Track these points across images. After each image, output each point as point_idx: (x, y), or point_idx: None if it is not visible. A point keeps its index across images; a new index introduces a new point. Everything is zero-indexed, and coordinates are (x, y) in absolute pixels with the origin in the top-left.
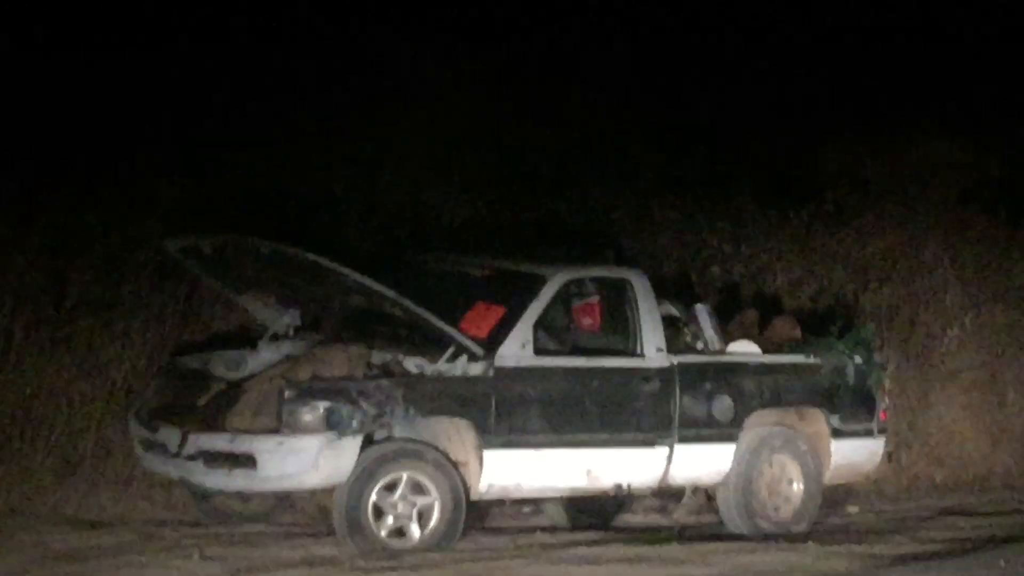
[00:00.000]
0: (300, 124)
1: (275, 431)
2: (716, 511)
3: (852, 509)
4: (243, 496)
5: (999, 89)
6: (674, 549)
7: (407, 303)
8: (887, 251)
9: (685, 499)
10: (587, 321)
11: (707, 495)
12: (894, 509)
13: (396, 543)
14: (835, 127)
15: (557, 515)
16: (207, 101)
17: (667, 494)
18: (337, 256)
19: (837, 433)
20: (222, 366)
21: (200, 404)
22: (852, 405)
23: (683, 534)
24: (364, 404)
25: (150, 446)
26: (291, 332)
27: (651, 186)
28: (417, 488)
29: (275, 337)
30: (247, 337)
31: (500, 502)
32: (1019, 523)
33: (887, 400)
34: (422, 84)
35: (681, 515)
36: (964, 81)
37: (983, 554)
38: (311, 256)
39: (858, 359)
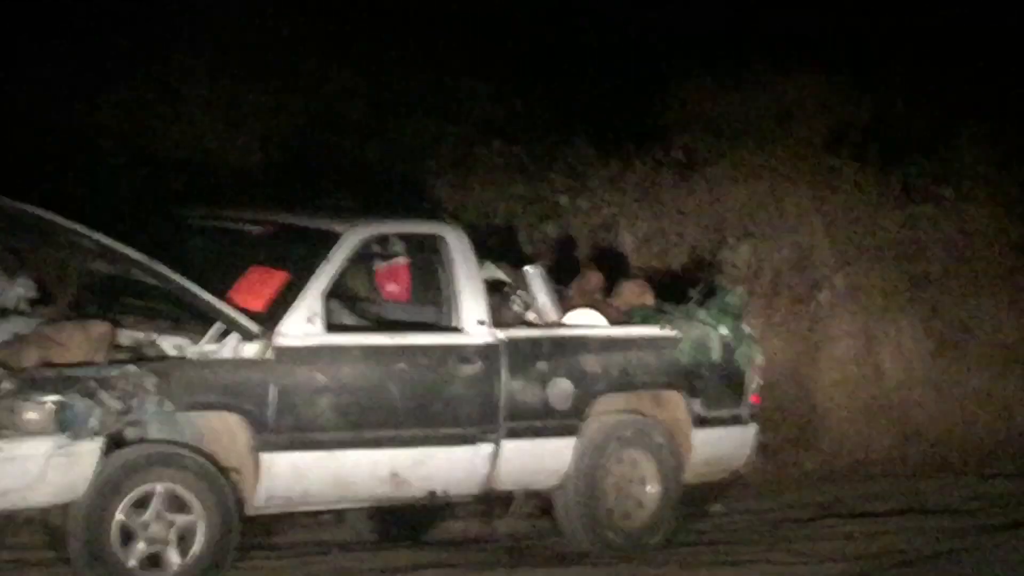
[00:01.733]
0: (61, 54)
1: None
2: (553, 520)
3: (715, 508)
4: None
5: (869, 19)
6: None
7: (161, 269)
8: (745, 204)
9: (514, 507)
10: (392, 288)
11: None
12: (764, 507)
13: (150, 575)
14: (683, 63)
15: (361, 525)
16: None
17: (493, 500)
18: (88, 211)
19: (700, 421)
20: None
21: None
22: (717, 387)
23: (513, 554)
24: (106, 398)
25: None
26: (23, 306)
27: (475, 131)
28: (176, 503)
29: (2, 313)
30: None
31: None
32: (915, 527)
33: (759, 379)
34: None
35: (510, 526)
36: (831, 9)
37: None
38: (38, 211)
39: (724, 330)
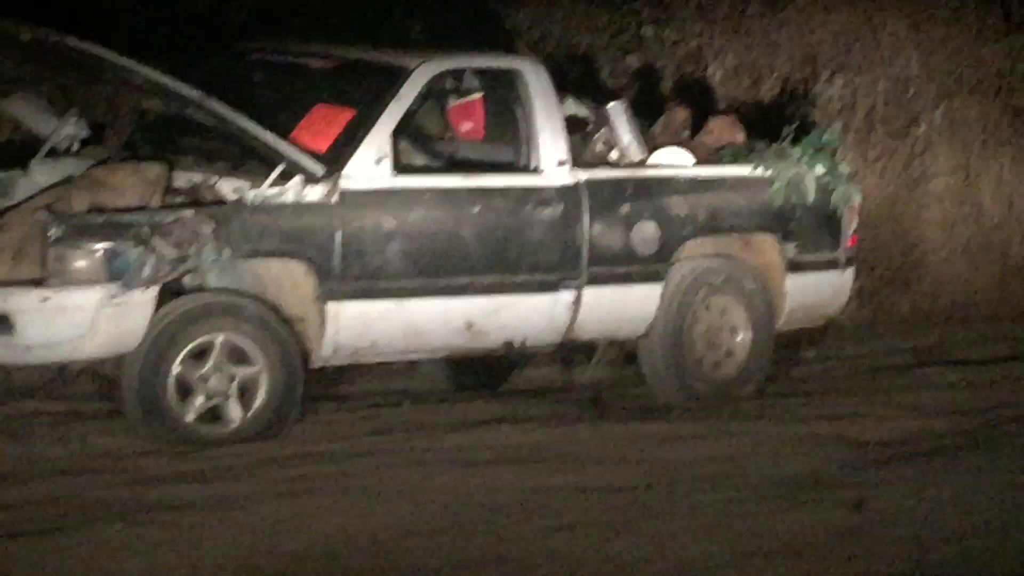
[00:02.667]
0: None
1: (38, 283)
2: (638, 370)
3: (808, 354)
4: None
5: None
6: (581, 434)
7: (219, 107)
8: (839, 35)
9: (596, 356)
10: (467, 126)
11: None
12: (859, 354)
13: (210, 430)
14: None
15: (436, 374)
16: None
17: (574, 349)
18: (145, 44)
19: (794, 266)
20: None
21: None
22: (812, 229)
23: (595, 406)
24: (160, 244)
25: None
26: (76, 147)
27: None
28: (237, 355)
29: (54, 153)
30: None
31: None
32: (1022, 375)
33: (857, 221)
34: None
35: (592, 376)
36: None
37: (1005, 444)
38: (87, 45)
39: (819, 170)
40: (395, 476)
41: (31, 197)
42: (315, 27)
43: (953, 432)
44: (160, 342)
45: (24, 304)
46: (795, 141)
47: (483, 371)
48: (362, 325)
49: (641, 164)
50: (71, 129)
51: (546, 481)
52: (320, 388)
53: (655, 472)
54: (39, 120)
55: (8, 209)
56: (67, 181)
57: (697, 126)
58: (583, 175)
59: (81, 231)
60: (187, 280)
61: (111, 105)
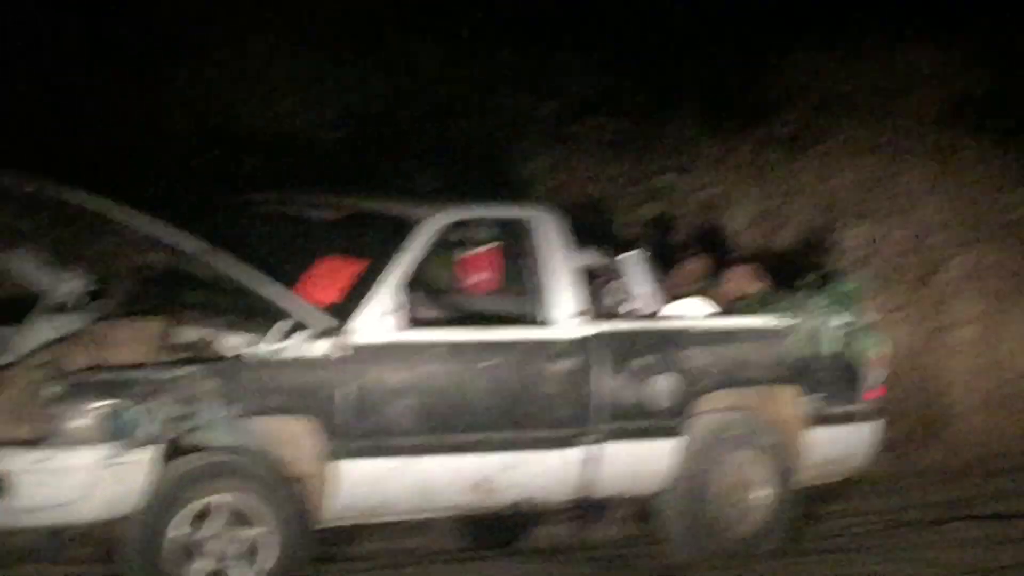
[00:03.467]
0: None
1: (36, 443)
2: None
3: (831, 509)
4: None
5: None
6: None
7: (222, 260)
8: (858, 182)
9: (614, 515)
10: (477, 277)
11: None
12: (883, 507)
13: None
14: (791, 36)
15: (448, 532)
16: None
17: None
18: (157, 196)
19: (816, 419)
20: None
21: None
22: (834, 381)
23: (612, 565)
24: (162, 402)
25: None
26: (78, 302)
27: (571, 107)
28: (241, 516)
29: (55, 309)
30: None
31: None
32: None
33: (883, 370)
34: None
35: (607, 533)
36: None
37: None
38: (86, 198)
39: (841, 320)
40: None
41: (30, 354)
42: (330, 177)
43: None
44: (161, 505)
45: (21, 465)
46: (815, 292)
47: (498, 527)
48: (370, 484)
49: (658, 316)
50: (73, 284)
51: None
52: (329, 547)
53: None
54: (40, 275)
55: (6, 367)
56: (67, 338)
57: (716, 276)
58: (597, 327)
59: (79, 389)
60: (187, 439)
61: (113, 259)
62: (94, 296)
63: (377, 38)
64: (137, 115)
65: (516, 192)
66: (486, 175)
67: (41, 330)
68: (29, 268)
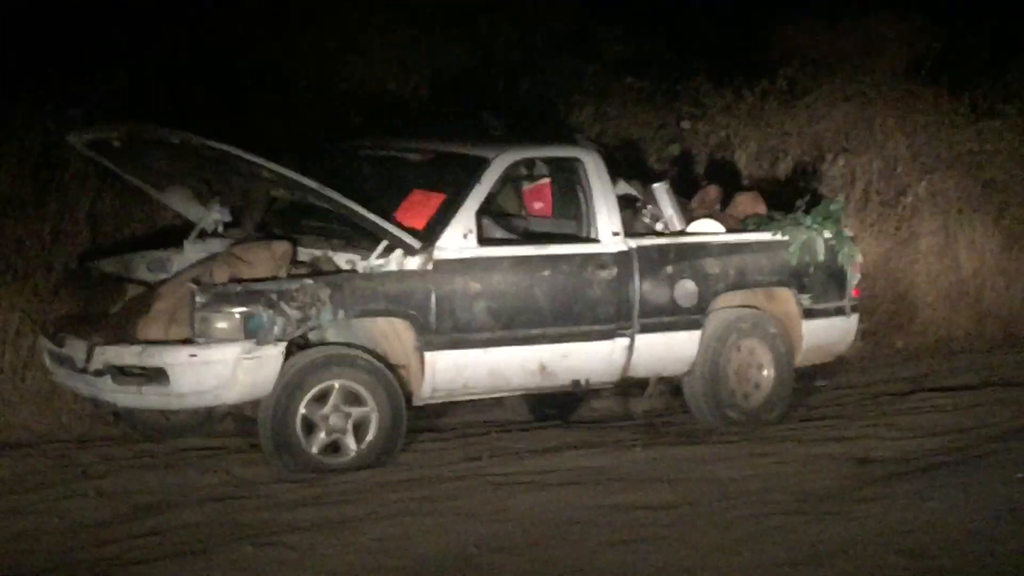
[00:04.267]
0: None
1: (188, 342)
2: (683, 401)
3: (820, 383)
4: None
5: None
6: (637, 457)
7: (332, 194)
8: (840, 125)
9: (648, 391)
10: (538, 205)
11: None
12: (864, 382)
13: (330, 460)
14: (784, 7)
15: (518, 407)
16: None
17: (630, 385)
18: (280, 142)
19: (808, 313)
20: (144, 267)
21: (113, 312)
22: (823, 283)
23: (648, 432)
24: (286, 307)
25: (60, 360)
26: (220, 229)
27: (611, 68)
28: (351, 398)
29: (203, 235)
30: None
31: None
32: (996, 399)
33: (859, 275)
34: None
35: (645, 406)
36: None
37: (990, 459)
38: (221, 145)
39: (827, 234)
40: (482, 498)
41: (183, 271)
42: (419, 126)
43: (944, 450)
44: (288, 388)
45: (176, 359)
46: (807, 211)
47: (557, 404)
48: (454, 370)
49: (681, 233)
50: (216, 215)
51: (608, 500)
52: (423, 422)
53: (699, 490)
54: (190, 208)
55: (163, 282)
56: (212, 258)
57: (726, 201)
58: (634, 243)
59: (222, 298)
60: (312, 336)
61: (246, 194)
62: (232, 224)
63: (456, 14)
64: (267, 76)
65: (565, 136)
66: (544, 124)
67: (193, 252)
68: (182, 202)
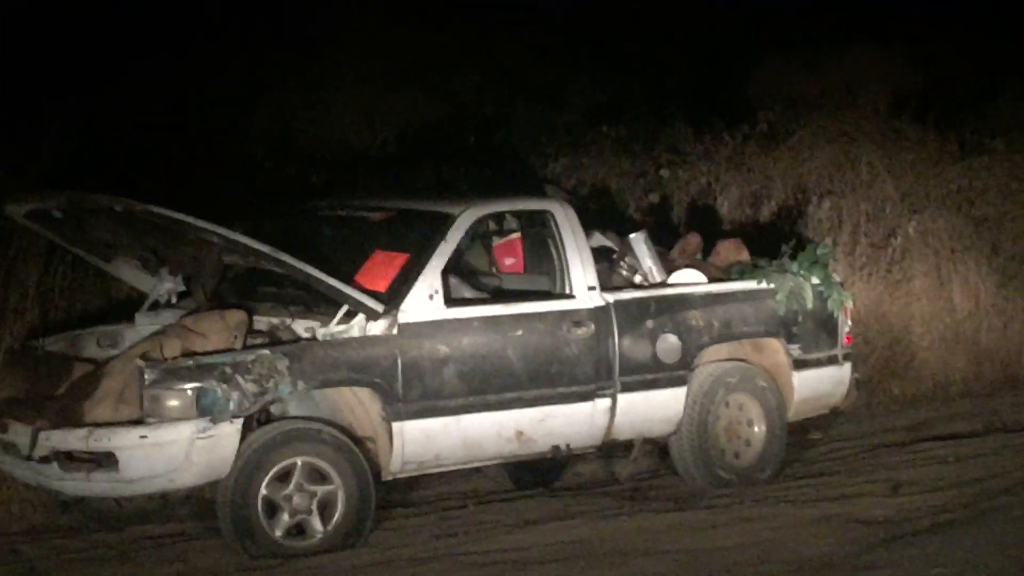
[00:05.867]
0: (217, 65)
1: (138, 423)
2: (670, 463)
3: (814, 435)
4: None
5: None
6: (623, 527)
7: (285, 258)
8: (824, 166)
9: (634, 454)
10: (509, 261)
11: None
12: (861, 432)
13: (295, 543)
14: (759, 50)
15: (498, 474)
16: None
17: (614, 448)
18: (237, 208)
19: (799, 364)
20: (94, 344)
21: (59, 393)
22: (813, 332)
23: (635, 498)
24: (242, 381)
25: (4, 447)
26: (174, 299)
27: (584, 117)
28: (316, 475)
29: (156, 306)
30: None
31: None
32: (1000, 446)
33: (850, 322)
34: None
35: (631, 471)
36: None
37: (1000, 515)
38: (165, 211)
39: (815, 280)
40: None
41: (132, 346)
42: (385, 185)
43: (950, 506)
44: (247, 468)
45: (125, 442)
46: (792, 257)
47: (539, 470)
48: (425, 441)
49: (662, 284)
50: (168, 284)
51: None
52: (396, 495)
53: (689, 564)
54: (140, 279)
55: (111, 359)
56: (163, 330)
57: (708, 249)
58: (611, 297)
59: (172, 374)
60: (273, 410)
61: (196, 261)
62: (187, 293)
63: (422, 69)
64: (223, 138)
65: (534, 188)
66: (516, 176)
67: (144, 325)
68: (130, 273)
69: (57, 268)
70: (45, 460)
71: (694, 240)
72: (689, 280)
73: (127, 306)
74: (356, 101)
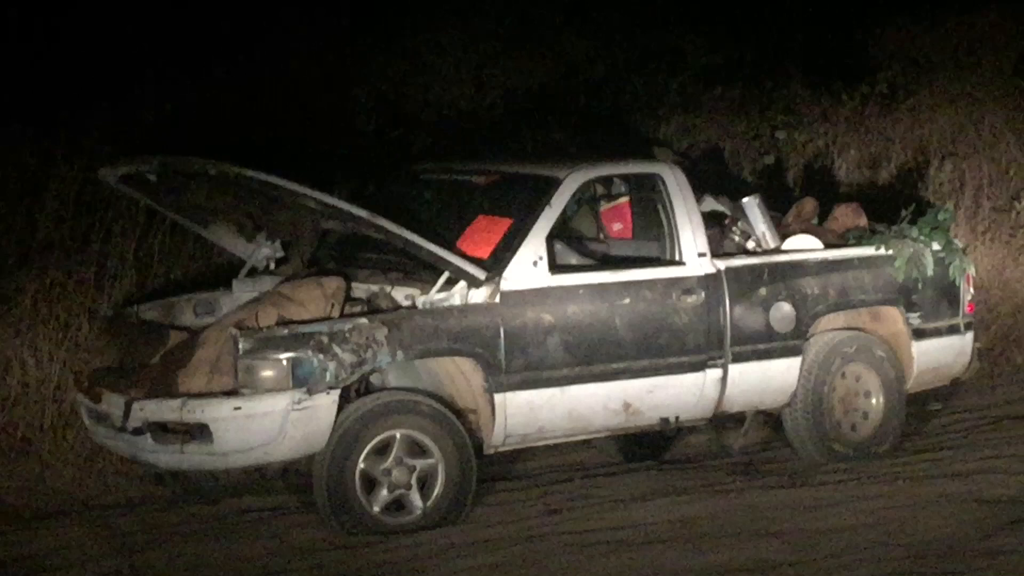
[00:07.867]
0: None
1: (232, 393)
2: (783, 436)
3: (935, 406)
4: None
5: None
6: (733, 505)
7: (384, 223)
8: (945, 127)
9: (745, 427)
10: (617, 226)
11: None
12: (982, 404)
13: (394, 519)
14: (886, 6)
15: (606, 446)
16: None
17: (725, 421)
18: (344, 173)
19: (919, 333)
20: (190, 311)
21: (153, 362)
22: (933, 300)
23: (746, 473)
24: (339, 351)
25: (98, 418)
26: (272, 265)
27: (699, 78)
28: (415, 448)
29: (253, 272)
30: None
31: None
32: None
33: (972, 290)
34: None
35: (742, 444)
36: None
37: None
38: (261, 175)
39: (936, 246)
40: (563, 560)
41: (228, 314)
42: (484, 144)
43: None
44: (344, 441)
45: (219, 414)
46: (912, 222)
47: (648, 443)
48: (529, 413)
49: (775, 251)
50: (266, 251)
51: (698, 560)
52: (496, 467)
53: (801, 545)
54: (236, 244)
55: (207, 327)
56: (259, 298)
57: (824, 214)
58: (722, 264)
59: (267, 343)
60: (372, 380)
61: (294, 227)
62: (285, 260)
63: (531, 31)
64: (333, 101)
65: (651, 152)
66: (627, 139)
67: (242, 291)
68: (227, 238)
69: (156, 234)
70: (138, 431)
71: (810, 204)
72: (804, 246)
73: (227, 272)
74: (464, 63)
